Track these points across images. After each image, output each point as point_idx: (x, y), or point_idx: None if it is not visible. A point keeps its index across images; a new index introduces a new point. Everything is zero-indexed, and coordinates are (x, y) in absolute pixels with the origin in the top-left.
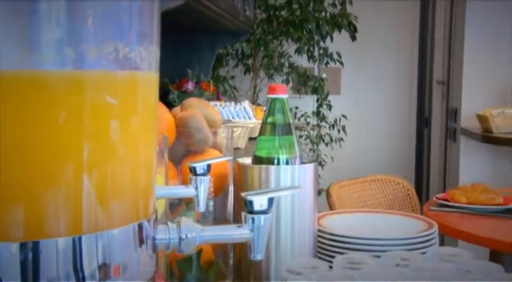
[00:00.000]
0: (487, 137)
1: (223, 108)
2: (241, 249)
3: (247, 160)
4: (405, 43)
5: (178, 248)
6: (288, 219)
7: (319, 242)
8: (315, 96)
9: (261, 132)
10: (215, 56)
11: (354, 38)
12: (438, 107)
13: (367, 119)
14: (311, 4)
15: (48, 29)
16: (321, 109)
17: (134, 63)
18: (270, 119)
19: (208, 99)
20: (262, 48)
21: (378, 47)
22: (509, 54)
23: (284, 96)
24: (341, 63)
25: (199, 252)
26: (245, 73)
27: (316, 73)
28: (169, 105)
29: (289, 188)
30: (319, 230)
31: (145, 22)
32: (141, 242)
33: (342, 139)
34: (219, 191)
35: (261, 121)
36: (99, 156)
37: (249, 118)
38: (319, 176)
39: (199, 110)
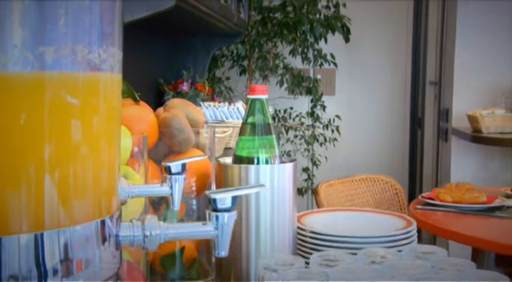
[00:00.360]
0: (477, 137)
1: (217, 109)
2: None
3: (228, 160)
4: (399, 44)
5: (142, 245)
6: (268, 218)
7: (300, 239)
8: (310, 97)
9: (241, 132)
10: (210, 57)
11: (347, 40)
12: (431, 107)
13: (362, 119)
14: (305, 6)
15: (8, 31)
16: (315, 110)
17: (95, 64)
18: (250, 119)
19: (203, 100)
20: (256, 50)
21: (372, 48)
22: (500, 55)
23: (264, 96)
24: (335, 64)
25: (182, 249)
26: (240, 74)
27: (311, 74)
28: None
29: (254, 186)
30: (299, 228)
31: (106, 24)
32: (104, 238)
33: (335, 139)
34: (201, 190)
35: None
36: (60, 155)
37: (242, 118)
38: (313, 175)
39: (182, 110)
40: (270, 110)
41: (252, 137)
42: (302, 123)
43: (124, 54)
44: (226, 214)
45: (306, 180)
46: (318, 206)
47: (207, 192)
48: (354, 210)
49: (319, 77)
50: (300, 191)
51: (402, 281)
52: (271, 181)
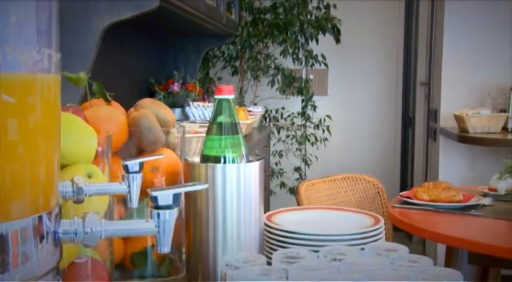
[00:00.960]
0: (463, 136)
1: (206, 109)
2: (190, 244)
3: (197, 159)
4: (391, 45)
5: (83, 241)
6: (234, 215)
7: (268, 237)
8: (301, 97)
9: (208, 132)
10: (201, 58)
11: (338, 41)
12: (421, 107)
13: (354, 119)
14: (295, 8)
15: None
16: (305, 110)
17: (29, 65)
18: (217, 119)
19: (194, 100)
20: (247, 51)
21: (364, 48)
22: (488, 55)
23: (230, 97)
24: (326, 65)
25: (152, 246)
26: (233, 75)
27: (303, 75)
28: None
29: (195, 184)
30: (267, 226)
31: (41, 25)
32: (42, 235)
33: (326, 139)
34: None
35: (244, 121)
36: None
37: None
38: (305, 175)
39: (152, 110)
40: (260, 110)
41: (218, 136)
42: (293, 123)
43: (114, 55)
44: (167, 211)
45: (297, 179)
46: (299, 205)
47: (148, 189)
48: (325, 209)
49: (311, 77)
50: (291, 190)
51: (359, 281)
52: (238, 180)
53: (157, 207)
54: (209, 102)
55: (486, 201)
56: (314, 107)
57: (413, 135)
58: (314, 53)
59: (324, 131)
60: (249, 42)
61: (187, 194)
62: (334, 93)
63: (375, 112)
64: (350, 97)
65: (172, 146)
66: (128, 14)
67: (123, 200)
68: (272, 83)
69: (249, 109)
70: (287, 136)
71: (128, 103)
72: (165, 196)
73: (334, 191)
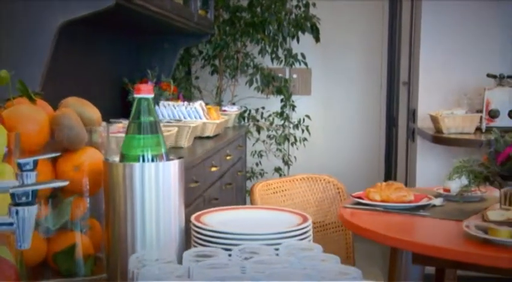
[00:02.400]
0: (437, 137)
1: (175, 108)
2: (110, 242)
3: (117, 158)
4: (376, 44)
5: None
6: (153, 214)
7: (195, 236)
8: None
9: (128, 131)
10: (177, 57)
11: (317, 40)
12: (404, 107)
13: (338, 119)
14: (273, 6)
15: None
16: (284, 109)
17: None
18: (136, 118)
19: (168, 99)
20: (223, 49)
21: (349, 48)
22: (465, 55)
23: (150, 96)
24: (305, 64)
25: (73, 246)
26: (212, 74)
27: (286, 74)
28: (130, 105)
29: (54, 181)
30: (193, 225)
31: None
32: None
33: (305, 139)
34: (94, 189)
35: (212, 121)
36: None
37: (200, 118)
38: (285, 175)
39: (76, 109)
40: (236, 109)
41: (138, 135)
42: (271, 123)
43: (87, 54)
44: (26, 208)
45: None
46: (252, 205)
47: (8, 187)
48: (256, 209)
49: (295, 76)
50: None
51: (258, 280)
52: (156, 178)
53: (16, 204)
54: (183, 101)
55: (437, 201)
56: (293, 107)
57: (396, 135)
58: (294, 52)
59: (303, 131)
60: (225, 40)
61: (106, 193)
62: (318, 92)
63: (359, 112)
64: (334, 97)
65: (97, 144)
66: (83, 12)
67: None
68: (250, 82)
69: (224, 108)
70: (268, 136)
71: (99, 103)
72: (23, 193)
73: (292, 191)
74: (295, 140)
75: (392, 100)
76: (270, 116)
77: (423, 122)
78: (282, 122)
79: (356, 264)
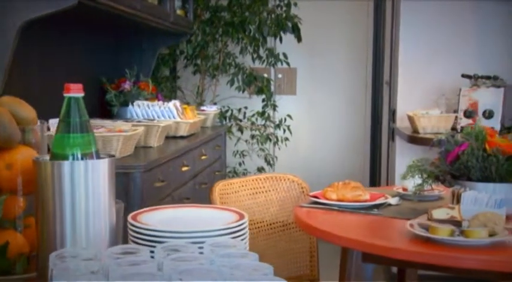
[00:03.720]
0: (413, 137)
1: (149, 108)
2: (40, 241)
3: (47, 157)
4: (361, 44)
5: None
6: (83, 212)
7: (131, 235)
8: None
9: (57, 130)
10: (156, 57)
11: (299, 39)
12: (387, 107)
13: (323, 118)
14: (252, 6)
15: None
16: (266, 109)
17: None
18: (66, 117)
19: (146, 99)
20: (203, 49)
21: (334, 48)
22: (443, 55)
23: (79, 95)
24: (287, 64)
25: (6, 244)
26: (194, 73)
27: (272, 74)
28: (108, 105)
29: None
30: (129, 224)
31: None
32: None
33: (287, 139)
34: (29, 188)
35: (185, 121)
36: None
37: (173, 117)
38: None
39: (9, 107)
40: (215, 109)
41: (67, 134)
42: (253, 123)
43: (63, 53)
44: None
45: None
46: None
47: None
48: (195, 207)
49: (280, 76)
50: None
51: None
52: (86, 176)
53: None
54: (163, 101)
55: (393, 200)
56: (274, 107)
57: (380, 135)
58: (277, 52)
59: (284, 130)
60: (204, 40)
61: (36, 191)
62: (303, 92)
63: (345, 111)
64: (319, 96)
65: (31, 144)
66: (44, 11)
67: None
68: (232, 82)
69: (202, 108)
70: (252, 136)
71: None
72: None
73: (255, 190)
74: (277, 139)
75: (378, 100)
76: (253, 116)
77: (400, 122)
78: (264, 122)
79: (320, 263)
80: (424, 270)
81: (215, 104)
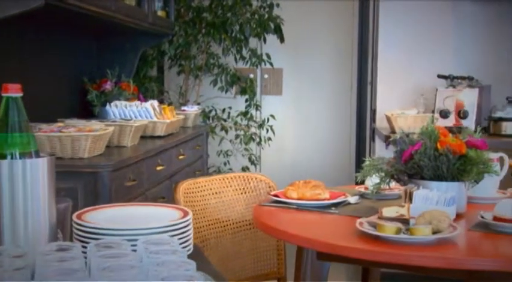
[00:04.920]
0: (389, 137)
1: (126, 108)
2: None
3: None
4: (346, 44)
5: None
6: (21, 210)
7: (75, 233)
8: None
9: None
10: (138, 57)
11: (282, 40)
12: (368, 107)
13: (309, 118)
14: (234, 7)
15: None
16: (249, 109)
17: None
18: (4, 117)
19: (128, 99)
20: (185, 50)
21: (320, 48)
22: (423, 56)
23: (18, 95)
24: (271, 64)
25: None
26: (179, 74)
27: (258, 74)
28: (89, 105)
29: None
30: (74, 222)
31: None
32: None
33: (270, 139)
34: None
35: (162, 121)
36: None
37: (150, 117)
38: None
39: None
40: (196, 109)
41: (5, 134)
42: (236, 123)
43: (46, 54)
44: None
45: None
46: (175, 204)
47: None
48: (144, 205)
49: (266, 76)
50: None
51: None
52: (24, 175)
53: None
54: (145, 102)
55: (352, 199)
56: (257, 107)
57: (365, 135)
58: (262, 52)
59: (267, 130)
60: (186, 40)
61: None
62: (289, 92)
63: (330, 112)
64: (305, 96)
65: None
66: (11, 11)
67: None
68: (215, 82)
69: (183, 108)
70: (236, 136)
71: (55, 101)
72: None
73: (221, 189)
74: (260, 139)
75: (362, 100)
76: (238, 116)
77: (379, 122)
78: (247, 122)
79: (288, 261)
80: (386, 269)
81: (198, 104)
